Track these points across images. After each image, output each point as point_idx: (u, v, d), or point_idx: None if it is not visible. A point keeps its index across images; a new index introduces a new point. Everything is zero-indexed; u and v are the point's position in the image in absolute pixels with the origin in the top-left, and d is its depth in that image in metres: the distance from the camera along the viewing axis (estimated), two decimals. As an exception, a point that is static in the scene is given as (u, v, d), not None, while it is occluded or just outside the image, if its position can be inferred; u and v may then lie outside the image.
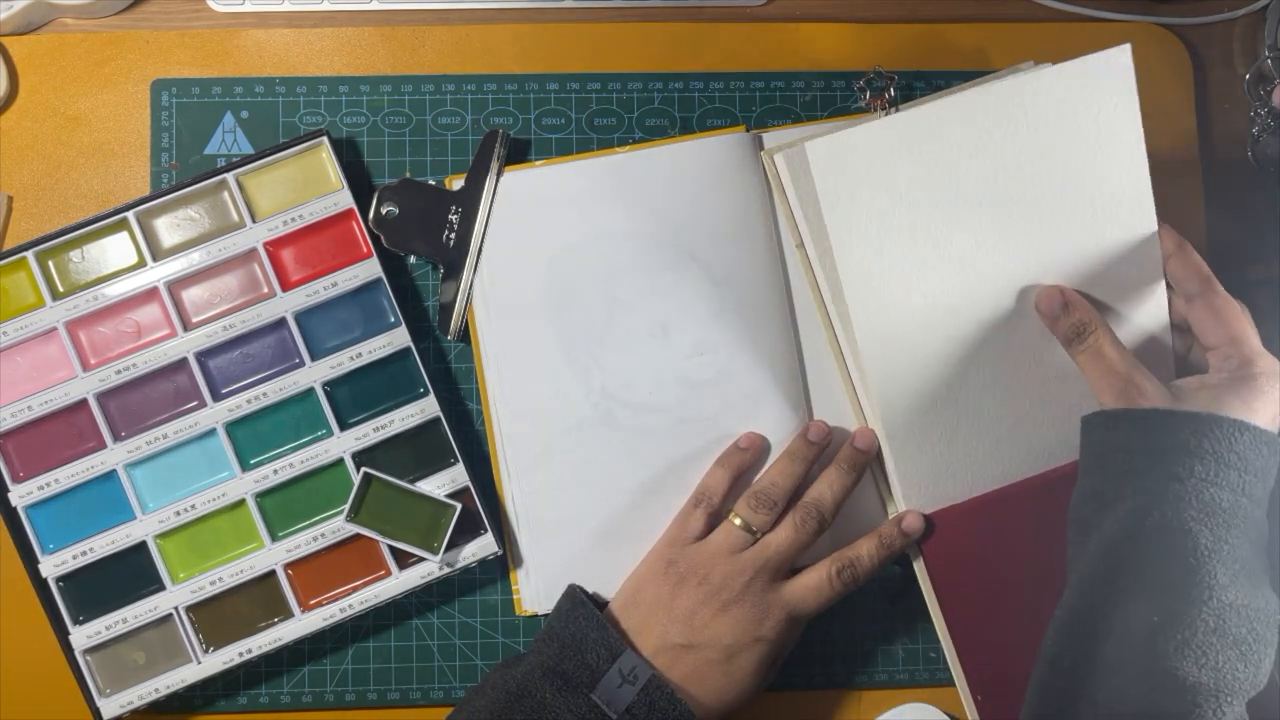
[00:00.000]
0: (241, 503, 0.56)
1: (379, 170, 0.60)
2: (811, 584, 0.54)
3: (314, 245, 0.58)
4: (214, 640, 0.56)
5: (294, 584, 0.56)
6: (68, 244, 0.57)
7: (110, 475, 0.56)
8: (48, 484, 0.56)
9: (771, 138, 0.60)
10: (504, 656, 0.58)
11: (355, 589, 0.56)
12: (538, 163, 0.59)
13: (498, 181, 0.59)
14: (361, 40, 0.61)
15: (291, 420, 0.57)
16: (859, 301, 0.54)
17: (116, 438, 0.56)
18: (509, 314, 0.58)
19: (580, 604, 0.54)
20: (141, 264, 0.57)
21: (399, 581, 0.56)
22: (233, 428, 0.57)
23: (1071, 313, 0.53)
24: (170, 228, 0.57)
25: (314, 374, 0.57)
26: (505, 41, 0.61)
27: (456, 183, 0.59)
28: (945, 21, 0.63)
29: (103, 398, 0.56)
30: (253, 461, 0.57)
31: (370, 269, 0.57)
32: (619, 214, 0.58)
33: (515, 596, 0.58)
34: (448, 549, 0.56)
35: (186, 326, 0.57)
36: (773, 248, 0.59)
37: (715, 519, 0.56)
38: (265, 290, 0.57)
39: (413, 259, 0.60)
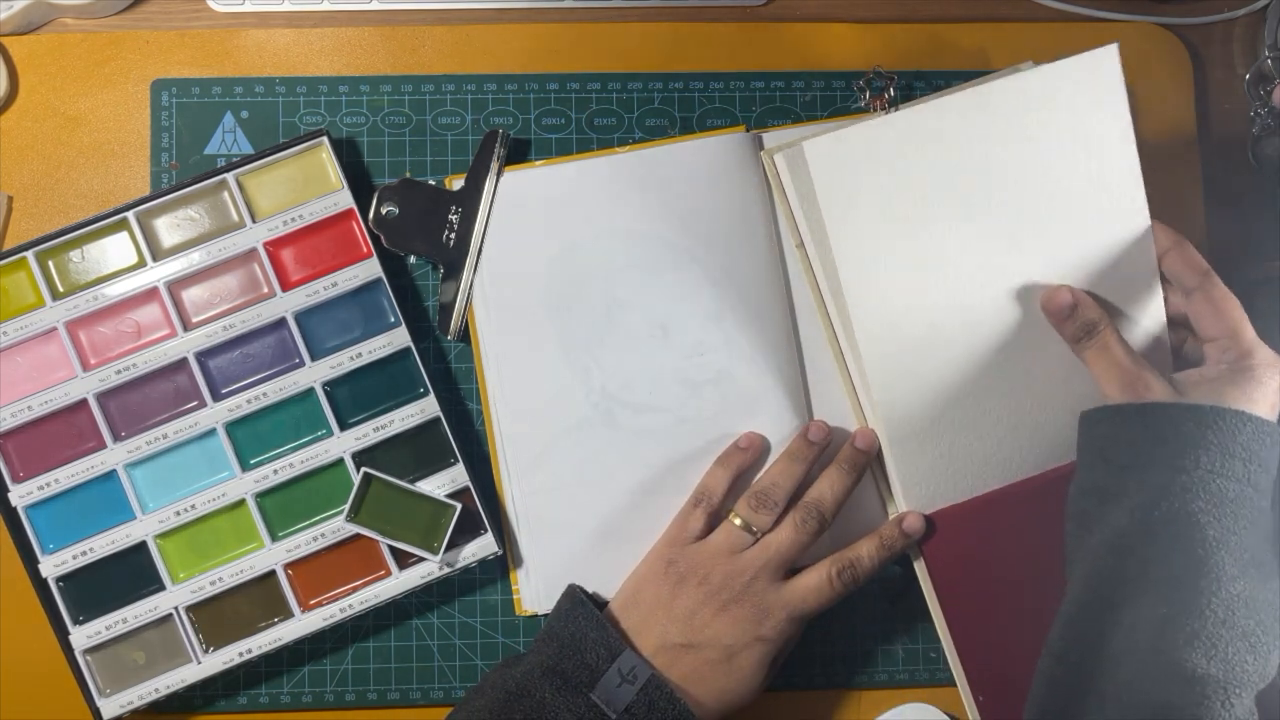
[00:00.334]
0: (241, 503, 0.56)
1: (379, 170, 0.60)
2: (812, 584, 0.54)
3: (314, 245, 0.58)
4: (214, 640, 0.56)
5: (294, 584, 0.56)
6: (68, 244, 0.57)
7: (110, 475, 0.56)
8: (48, 484, 0.56)
9: (771, 138, 0.60)
10: (504, 656, 0.58)
11: (355, 589, 0.56)
12: (538, 163, 0.59)
13: (498, 181, 0.59)
14: (361, 40, 0.61)
15: (291, 420, 0.57)
16: (859, 301, 0.54)
17: (116, 438, 0.56)
18: (509, 314, 0.58)
19: (580, 604, 0.54)
20: (141, 264, 0.57)
21: (399, 581, 0.56)
22: (233, 428, 0.57)
23: (1081, 312, 0.53)
24: (170, 228, 0.57)
25: (314, 374, 0.57)
26: (505, 41, 0.61)
27: (456, 183, 0.59)
28: (945, 21, 0.63)
29: (103, 398, 0.56)
30: (253, 461, 0.57)
31: (370, 269, 0.57)
32: (619, 213, 0.58)
33: (515, 596, 0.58)
34: (448, 549, 0.56)
35: (186, 326, 0.57)
36: (773, 248, 0.59)
37: (715, 519, 0.56)
38: (265, 290, 0.57)
39: (413, 259, 0.60)
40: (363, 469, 0.56)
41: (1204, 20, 0.63)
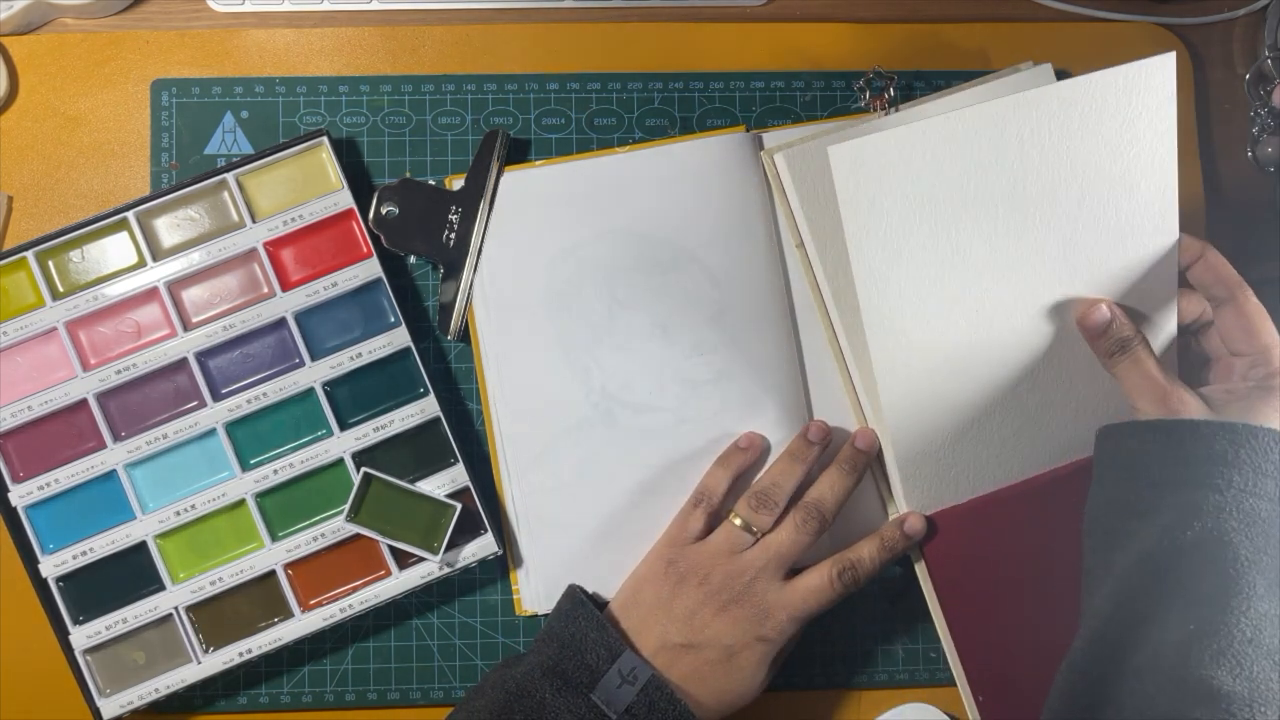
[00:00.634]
0: (241, 503, 0.56)
1: (379, 170, 0.60)
2: (813, 585, 0.54)
3: (314, 245, 0.58)
4: (214, 640, 0.56)
5: (294, 584, 0.56)
6: (68, 244, 0.57)
7: (110, 475, 0.56)
8: (48, 484, 0.56)
9: (771, 138, 0.60)
10: (504, 656, 0.58)
11: (355, 589, 0.56)
12: (538, 163, 0.59)
13: (498, 181, 0.59)
14: (361, 40, 0.61)
15: (291, 420, 0.57)
16: (873, 307, 0.53)
17: (116, 438, 0.56)
18: (509, 314, 0.58)
19: (580, 604, 0.54)
20: (141, 264, 0.57)
21: (399, 581, 0.56)
22: (233, 428, 0.57)
23: (1116, 328, 0.53)
24: (170, 228, 0.57)
25: (314, 374, 0.57)
26: (505, 41, 0.61)
27: (456, 183, 0.59)
28: (945, 21, 0.63)
29: (103, 398, 0.56)
30: (253, 461, 0.57)
31: (370, 269, 0.57)
32: (619, 214, 0.58)
33: (515, 596, 0.58)
34: (448, 549, 0.56)
35: (186, 326, 0.57)
36: (773, 248, 0.59)
37: (715, 519, 0.56)
38: (265, 290, 0.57)
39: (413, 259, 0.60)
40: (363, 469, 0.56)
41: (1204, 20, 0.63)
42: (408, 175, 0.60)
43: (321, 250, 0.58)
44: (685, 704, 0.51)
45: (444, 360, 0.60)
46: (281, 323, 0.57)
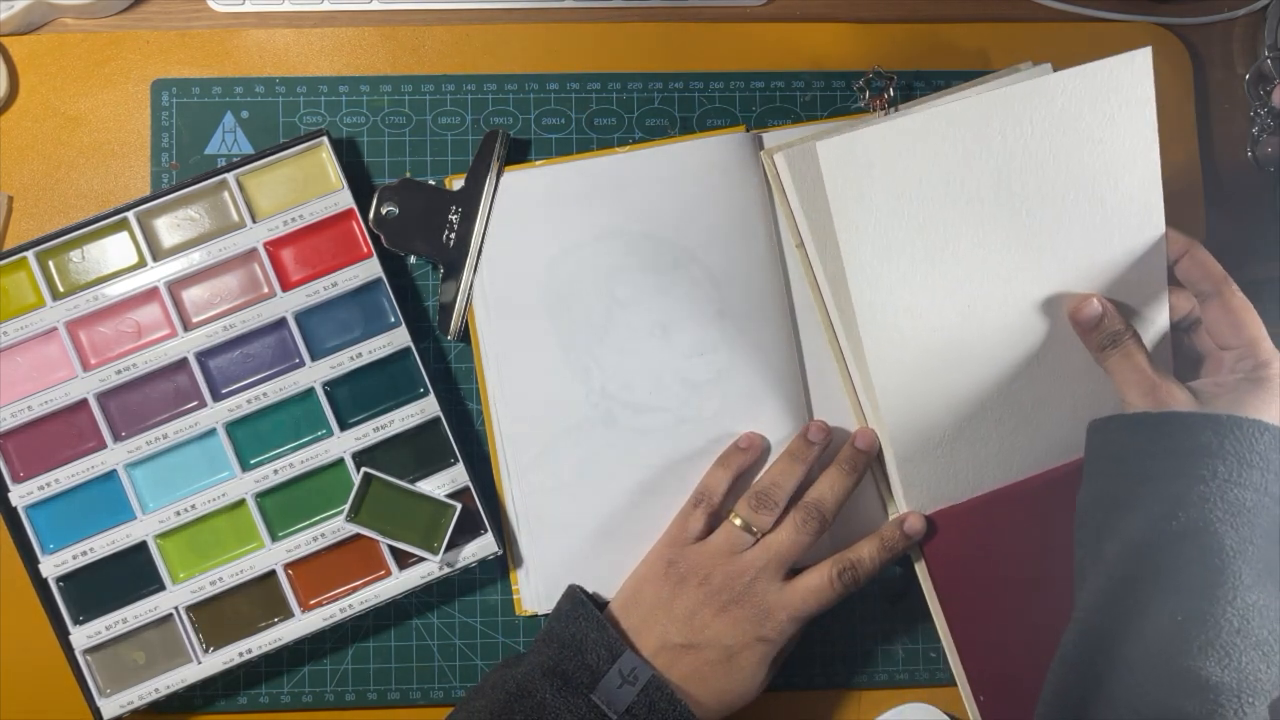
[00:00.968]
0: (241, 503, 0.56)
1: (379, 170, 0.60)
2: (813, 586, 0.54)
3: (314, 245, 0.58)
4: (214, 640, 0.56)
5: (294, 584, 0.56)
6: (68, 244, 0.57)
7: (110, 475, 0.56)
8: (48, 484, 0.56)
9: (771, 138, 0.60)
10: (504, 656, 0.58)
11: (355, 589, 0.56)
12: (538, 163, 0.59)
13: (498, 181, 0.59)
14: (361, 40, 0.61)
15: (291, 420, 0.57)
16: (865, 303, 0.54)
17: (116, 438, 0.56)
18: (509, 314, 0.58)
19: (580, 604, 0.54)
20: (141, 264, 0.57)
21: (399, 581, 0.56)
22: (233, 428, 0.57)
23: (1107, 322, 0.53)
24: (170, 228, 0.57)
25: (314, 374, 0.57)
26: (505, 41, 0.61)
27: (456, 183, 0.59)
28: (945, 21, 0.63)
29: (103, 398, 0.56)
30: (253, 461, 0.57)
31: (370, 269, 0.57)
32: (619, 214, 0.58)
33: (515, 596, 0.58)
34: (448, 549, 0.56)
35: (186, 326, 0.57)
36: (773, 248, 0.59)
37: (715, 519, 0.56)
38: (265, 290, 0.57)
39: (413, 259, 0.60)
40: (363, 469, 0.56)
41: (1204, 20, 0.63)
42: (408, 175, 0.60)
43: (321, 250, 0.58)
44: (686, 704, 0.51)
45: (444, 360, 0.60)
46: (281, 323, 0.57)
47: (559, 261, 0.58)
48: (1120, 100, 0.52)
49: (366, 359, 0.57)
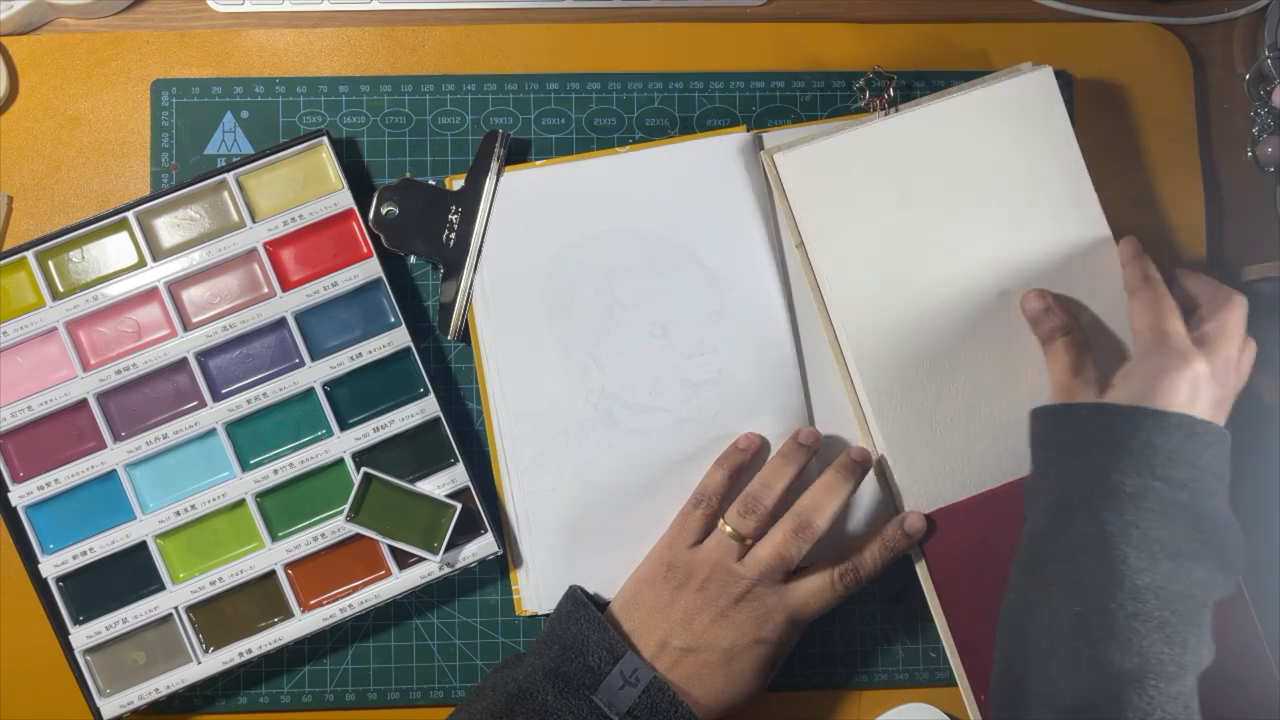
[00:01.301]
0: (241, 503, 0.56)
1: (379, 170, 0.60)
2: (814, 587, 0.54)
3: (314, 245, 0.58)
4: (214, 640, 0.56)
5: (294, 584, 0.56)
6: (68, 244, 0.57)
7: (110, 475, 0.56)
8: (48, 484, 0.56)
9: (771, 138, 0.60)
10: (504, 656, 0.58)
11: (355, 589, 0.56)
12: (538, 163, 0.59)
13: (498, 181, 0.59)
14: (361, 40, 0.61)
15: (291, 420, 0.57)
16: (843, 306, 0.57)
17: (116, 438, 0.56)
18: (509, 314, 0.58)
19: (581, 605, 0.54)
20: (141, 264, 0.57)
21: (399, 581, 0.56)
22: (233, 428, 0.57)
23: (1052, 316, 0.55)
24: (170, 228, 0.57)
25: (314, 374, 0.57)
26: (505, 41, 0.61)
27: (456, 183, 0.59)
28: (945, 21, 0.63)
29: (103, 398, 0.56)
30: (253, 461, 0.57)
31: (370, 269, 0.57)
32: (619, 214, 0.58)
33: (515, 596, 0.58)
34: (448, 549, 0.56)
35: (186, 326, 0.57)
36: (773, 248, 0.59)
37: (714, 521, 0.56)
38: (265, 290, 0.57)
39: (413, 259, 0.60)
40: (363, 469, 0.56)
41: (1204, 20, 0.63)
42: (408, 175, 0.60)
43: (321, 250, 0.58)
44: (686, 705, 0.51)
45: (444, 360, 0.60)
46: (281, 323, 0.57)
47: (559, 261, 0.58)
48: (1035, 114, 0.57)
49: (366, 359, 0.57)
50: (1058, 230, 0.57)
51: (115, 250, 0.57)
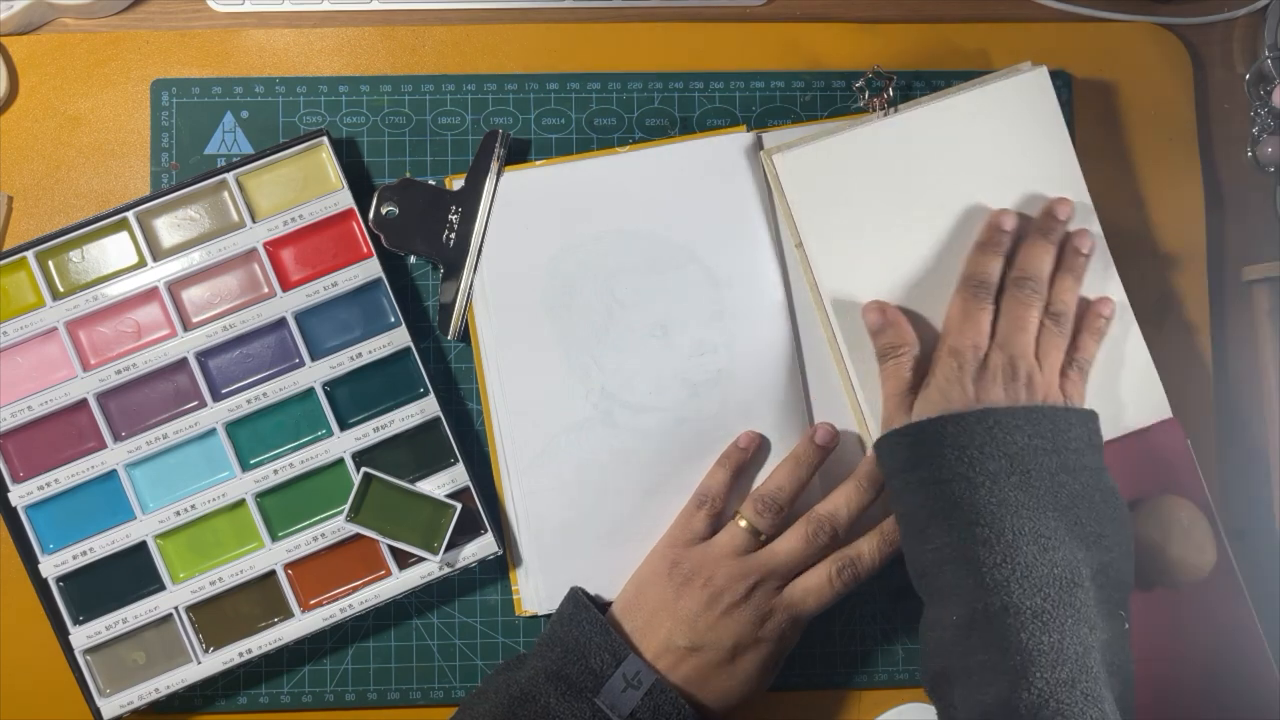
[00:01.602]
0: (241, 503, 0.56)
1: (379, 170, 0.60)
2: (812, 585, 0.54)
3: (314, 245, 0.58)
4: (214, 640, 0.56)
5: (294, 584, 0.56)
6: (68, 244, 0.57)
7: (110, 475, 0.56)
8: (48, 484, 0.56)
9: (771, 138, 0.60)
10: (504, 656, 0.58)
11: (355, 589, 0.56)
12: (538, 163, 0.59)
13: (498, 181, 0.59)
14: (361, 40, 0.61)
15: (291, 420, 0.57)
16: (838, 305, 0.57)
17: (116, 438, 0.56)
18: (509, 314, 0.58)
19: (583, 607, 0.54)
20: (141, 264, 0.57)
21: (399, 581, 0.56)
22: (233, 428, 0.57)
23: (886, 332, 0.55)
24: (170, 228, 0.57)
25: (314, 374, 0.57)
26: (505, 41, 0.61)
27: (456, 183, 0.59)
28: (945, 21, 0.63)
29: (103, 398, 0.56)
30: (253, 461, 0.57)
31: (370, 269, 0.57)
32: (619, 214, 0.58)
33: (515, 596, 0.58)
34: (448, 549, 0.56)
35: (186, 326, 0.57)
36: (773, 248, 0.59)
37: (718, 520, 0.56)
38: (265, 290, 0.57)
39: (413, 259, 0.60)
40: (363, 469, 0.56)
41: (1204, 20, 0.63)
42: (408, 175, 0.60)
43: (321, 250, 0.58)
44: (689, 708, 0.51)
45: (444, 360, 0.60)
46: (281, 323, 0.57)
47: (559, 261, 0.58)
48: (1030, 115, 0.57)
49: (366, 359, 0.57)
50: None
51: (115, 250, 0.57)
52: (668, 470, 0.57)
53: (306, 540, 0.56)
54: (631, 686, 0.51)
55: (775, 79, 0.61)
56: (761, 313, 0.58)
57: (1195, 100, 0.62)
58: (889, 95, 0.59)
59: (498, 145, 0.58)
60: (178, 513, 0.56)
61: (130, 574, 0.56)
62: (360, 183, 0.60)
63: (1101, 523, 0.49)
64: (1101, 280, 0.57)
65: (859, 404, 0.57)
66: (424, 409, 0.57)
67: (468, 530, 0.57)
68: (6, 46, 0.60)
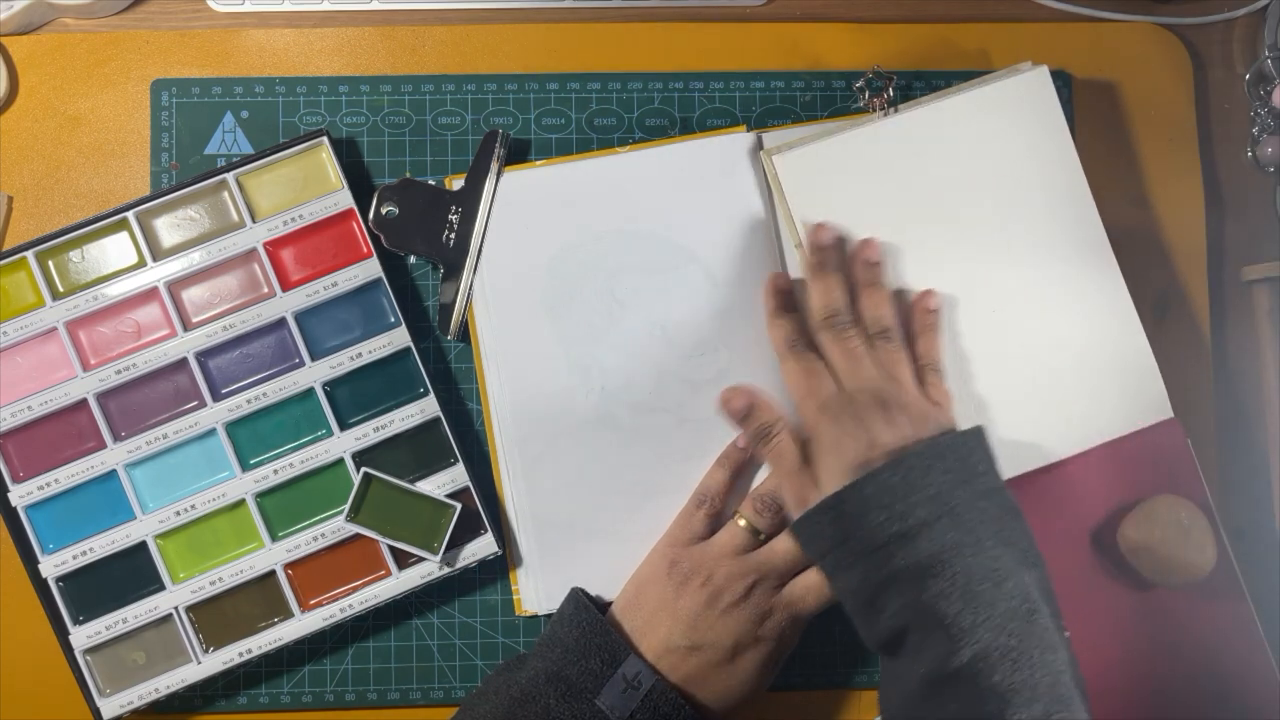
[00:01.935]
0: (241, 503, 0.56)
1: (379, 170, 0.60)
2: (812, 583, 0.54)
3: (314, 245, 0.58)
4: (214, 640, 0.56)
5: (294, 584, 0.56)
6: (68, 244, 0.57)
7: (110, 475, 0.56)
8: (48, 484, 0.56)
9: (771, 138, 0.60)
10: (504, 656, 0.58)
11: (355, 589, 0.56)
12: (538, 163, 0.59)
13: (498, 181, 0.59)
14: (361, 40, 0.61)
15: (291, 420, 0.57)
16: None
17: (116, 438, 0.56)
18: (509, 314, 0.58)
19: (583, 608, 0.54)
20: (141, 264, 0.57)
21: (399, 581, 0.56)
22: (233, 428, 0.57)
23: (756, 414, 0.54)
24: (170, 228, 0.57)
25: (314, 374, 0.57)
26: (505, 41, 0.61)
27: (456, 183, 0.59)
28: (945, 21, 0.63)
29: (103, 398, 0.56)
30: (253, 461, 0.57)
31: (370, 269, 0.57)
32: (619, 214, 0.58)
33: (515, 596, 0.58)
34: (448, 549, 0.56)
35: (186, 326, 0.57)
36: (773, 248, 0.59)
37: (717, 519, 0.56)
38: (265, 290, 0.57)
39: (413, 259, 0.60)
40: (363, 469, 0.56)
41: (1204, 20, 0.63)
42: (408, 175, 0.60)
43: (321, 250, 0.58)
44: (689, 708, 0.51)
45: (444, 360, 0.60)
46: (281, 323, 0.57)
47: (559, 261, 0.58)
48: (1031, 116, 0.57)
49: (366, 359, 0.57)
50: (1053, 229, 0.57)
51: (115, 250, 0.57)
52: (668, 470, 0.57)
53: (306, 540, 0.56)
54: (631, 687, 0.51)
55: (775, 79, 0.61)
56: (761, 313, 0.58)
57: (1195, 100, 0.62)
58: (889, 95, 0.59)
59: (498, 145, 0.58)
60: (178, 513, 0.56)
61: (130, 574, 0.56)
62: (360, 183, 0.60)
63: (1026, 536, 0.48)
64: (1104, 278, 0.57)
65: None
66: (424, 409, 0.57)
67: (468, 530, 0.57)
68: (6, 46, 0.60)
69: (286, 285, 0.57)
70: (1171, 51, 0.62)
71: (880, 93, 0.60)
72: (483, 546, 0.57)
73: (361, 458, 0.57)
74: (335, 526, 0.56)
